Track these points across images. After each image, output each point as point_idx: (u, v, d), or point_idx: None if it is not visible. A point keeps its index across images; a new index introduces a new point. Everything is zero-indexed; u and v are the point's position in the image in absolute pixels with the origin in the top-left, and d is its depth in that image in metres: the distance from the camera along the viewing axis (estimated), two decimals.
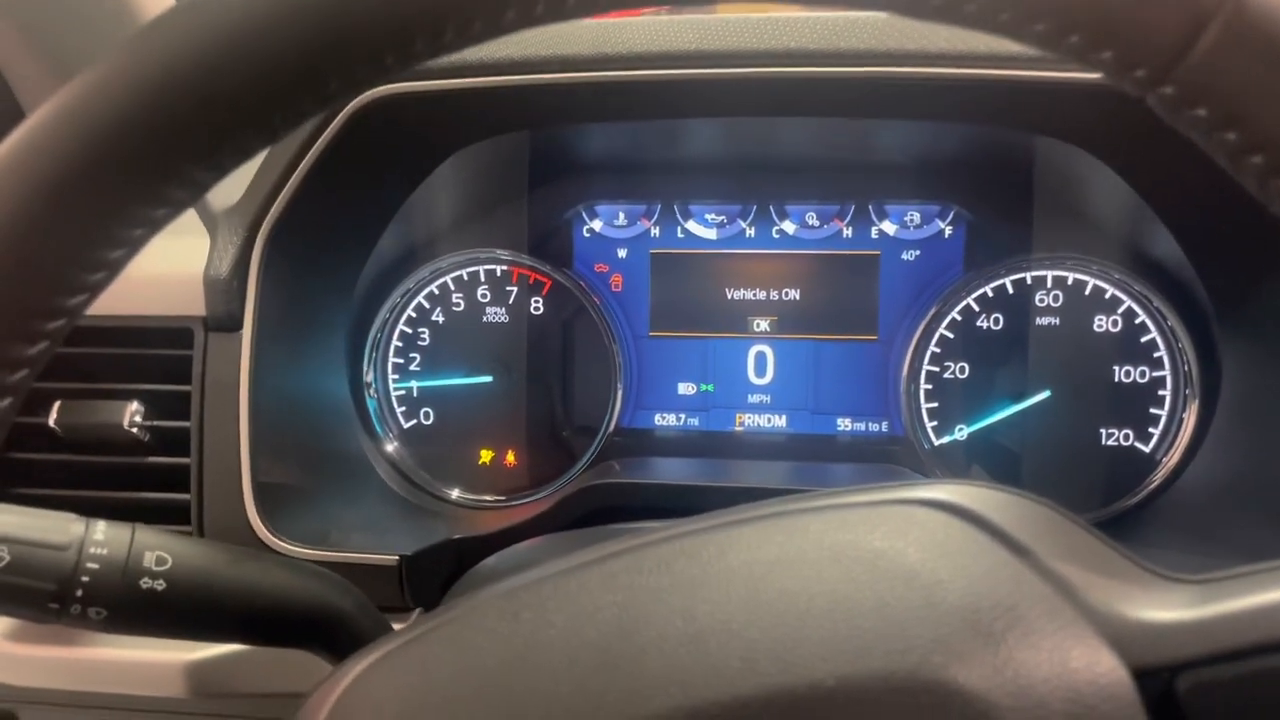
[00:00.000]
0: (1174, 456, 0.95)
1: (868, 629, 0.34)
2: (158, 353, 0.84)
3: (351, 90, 0.35)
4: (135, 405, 0.84)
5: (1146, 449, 0.96)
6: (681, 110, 0.84)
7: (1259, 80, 0.32)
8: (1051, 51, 0.34)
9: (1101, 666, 0.32)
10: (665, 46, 0.76)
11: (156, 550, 0.55)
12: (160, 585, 0.55)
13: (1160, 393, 0.96)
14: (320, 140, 0.79)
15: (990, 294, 0.98)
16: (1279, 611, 0.33)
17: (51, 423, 0.84)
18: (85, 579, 0.53)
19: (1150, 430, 0.96)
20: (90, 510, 0.56)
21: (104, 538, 0.54)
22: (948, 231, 1.01)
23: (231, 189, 0.84)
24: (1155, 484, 0.95)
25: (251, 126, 0.34)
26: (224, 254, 0.82)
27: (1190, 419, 0.94)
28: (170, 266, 0.84)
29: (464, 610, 0.40)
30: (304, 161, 0.79)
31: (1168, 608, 0.34)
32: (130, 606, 0.55)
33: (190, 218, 0.86)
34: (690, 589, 0.37)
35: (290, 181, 0.80)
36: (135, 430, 0.83)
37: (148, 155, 0.33)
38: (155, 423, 0.84)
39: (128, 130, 0.33)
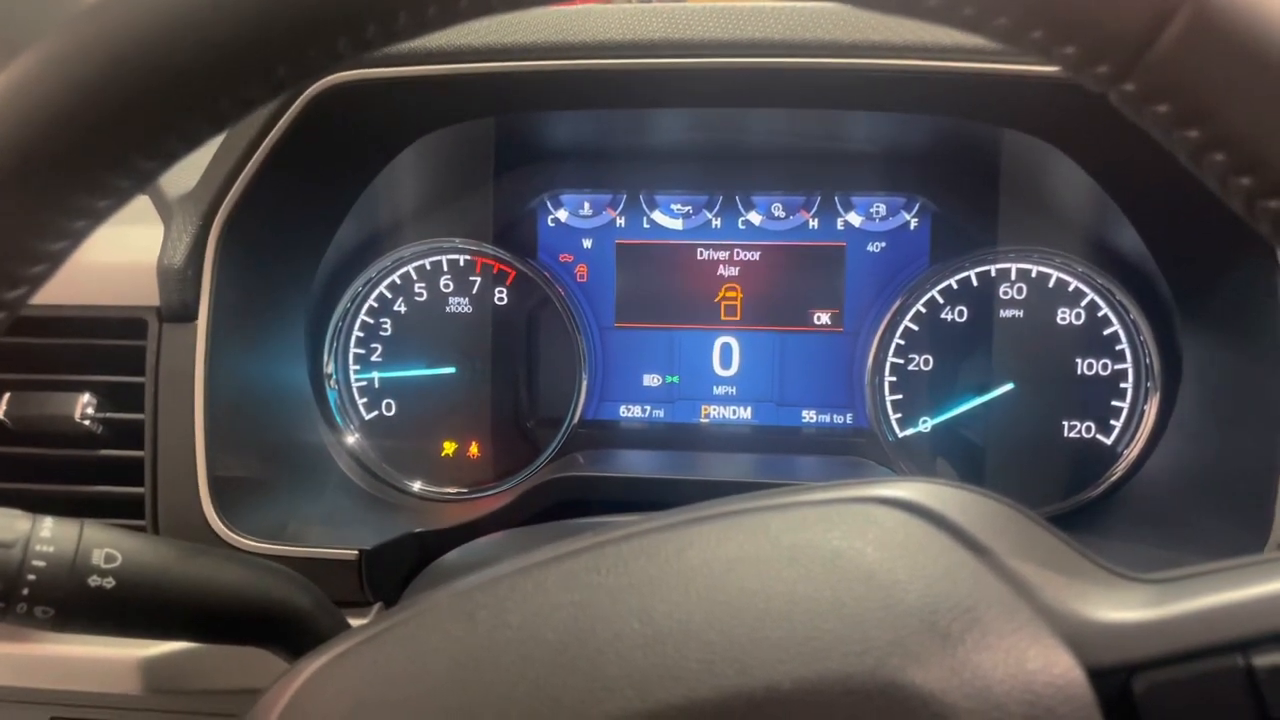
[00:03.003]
0: (1135, 448, 0.95)
1: (826, 630, 0.34)
2: (111, 343, 0.82)
3: (302, 77, 0.34)
4: (87, 397, 0.82)
5: (1108, 441, 0.97)
6: (647, 99, 0.83)
7: (1221, 77, 0.32)
8: (1014, 46, 0.34)
9: (1058, 667, 0.32)
10: (631, 35, 0.75)
11: (105, 547, 0.54)
12: (109, 583, 0.54)
13: (1122, 385, 0.96)
14: (278, 126, 0.77)
15: (955, 286, 0.99)
16: (1234, 612, 0.33)
17: (0, 415, 0.82)
18: (31, 577, 0.52)
19: (1112, 423, 0.97)
20: (42, 504, 0.55)
21: (51, 535, 0.53)
22: (913, 223, 1.01)
23: (186, 176, 0.82)
24: (1116, 476, 0.96)
25: (198, 114, 0.33)
26: (178, 242, 0.80)
27: (1151, 411, 0.95)
28: (123, 255, 0.82)
29: (419, 610, 0.40)
30: (261, 148, 0.78)
31: (1125, 608, 0.34)
32: (78, 605, 0.53)
33: (143, 205, 0.85)
34: (648, 588, 0.36)
35: (246, 168, 0.78)
36: (87, 422, 0.81)
37: (89, 144, 0.32)
38: (108, 415, 0.82)
39: (67, 118, 0.32)
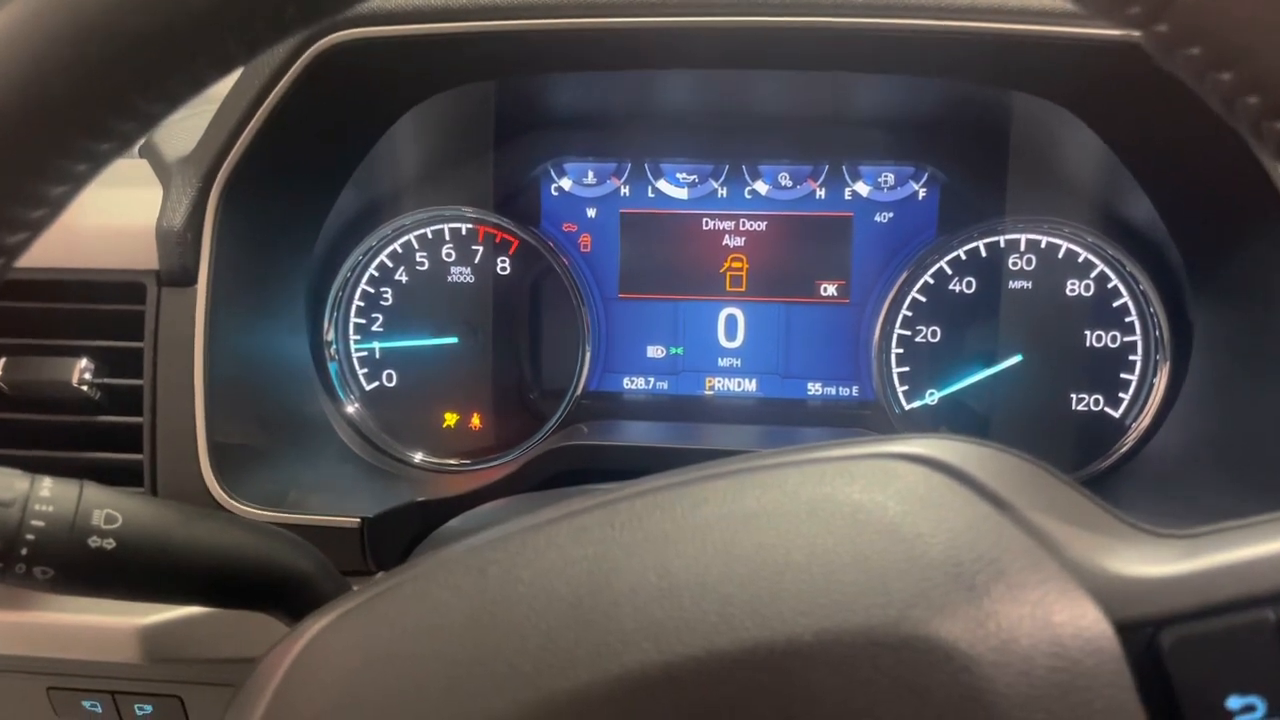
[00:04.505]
0: (1144, 421, 0.95)
1: (847, 582, 0.33)
2: (109, 308, 0.81)
3: (311, 17, 0.33)
4: (85, 362, 0.81)
5: (1116, 414, 0.96)
6: (653, 60, 0.82)
7: (1255, 17, 0.31)
8: None
9: (1085, 620, 0.32)
10: None
11: (106, 508, 0.53)
12: (110, 544, 0.53)
13: (1131, 357, 0.96)
14: (278, 87, 0.76)
15: (963, 257, 0.98)
16: (1262, 566, 0.33)
17: None
18: (30, 537, 0.51)
19: (1120, 395, 0.96)
20: (39, 470, 0.54)
21: (50, 494, 0.52)
22: (922, 193, 1.00)
23: (185, 137, 0.81)
24: (1125, 448, 0.95)
25: (203, 55, 0.32)
26: (177, 205, 0.79)
27: (1160, 383, 0.94)
28: (121, 218, 0.81)
29: (429, 566, 0.39)
30: (261, 109, 0.76)
31: (1152, 562, 0.34)
32: (78, 566, 0.52)
33: (142, 167, 0.84)
34: (664, 543, 0.35)
35: (246, 130, 0.77)
36: (85, 388, 0.80)
37: (92, 85, 0.31)
38: (106, 380, 0.82)
39: (68, 57, 0.31)
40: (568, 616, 0.34)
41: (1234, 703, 0.31)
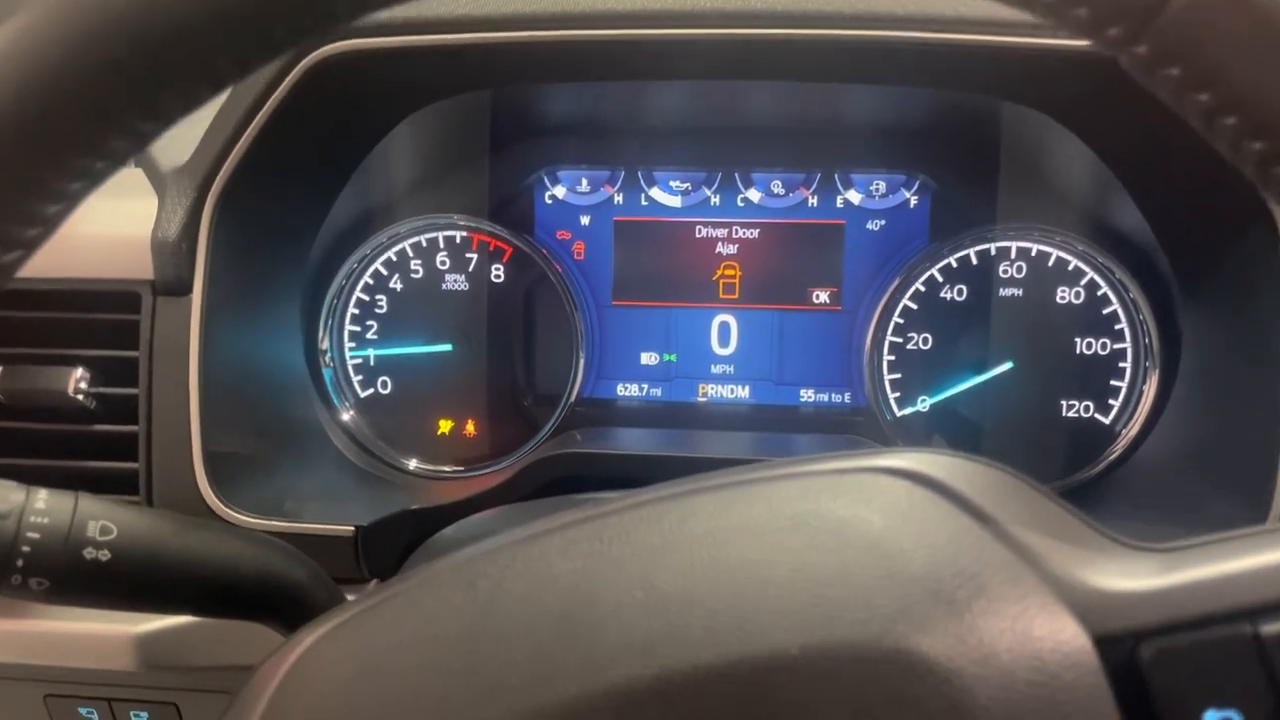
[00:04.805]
0: (1134, 428, 0.95)
1: (831, 597, 0.33)
2: (104, 317, 0.81)
3: (301, 37, 0.34)
4: (81, 371, 0.81)
5: (1106, 420, 0.97)
6: (646, 72, 0.82)
7: (1233, 40, 0.31)
8: (1026, 9, 0.33)
9: (1065, 634, 0.32)
10: (630, 6, 0.75)
11: (101, 519, 0.54)
12: (105, 555, 0.53)
13: (1121, 364, 0.96)
14: (273, 97, 0.76)
15: (954, 265, 0.98)
16: (1242, 580, 0.33)
17: None
18: (26, 549, 0.51)
19: (1110, 402, 0.96)
20: (35, 480, 0.54)
21: (46, 506, 0.52)
22: (913, 201, 1.01)
23: (180, 147, 0.81)
24: (1115, 455, 0.96)
25: (195, 74, 0.33)
26: (172, 215, 0.79)
27: (1150, 390, 0.95)
28: (117, 228, 0.81)
29: (420, 579, 0.39)
30: (256, 119, 0.77)
31: (1131, 576, 0.34)
32: (73, 577, 0.53)
33: (138, 177, 0.84)
34: (651, 557, 0.36)
35: (241, 140, 0.77)
36: (81, 397, 0.81)
37: (85, 103, 0.32)
38: (102, 389, 0.82)
39: (62, 76, 0.31)
40: (556, 629, 0.34)
41: (1212, 716, 0.31)
